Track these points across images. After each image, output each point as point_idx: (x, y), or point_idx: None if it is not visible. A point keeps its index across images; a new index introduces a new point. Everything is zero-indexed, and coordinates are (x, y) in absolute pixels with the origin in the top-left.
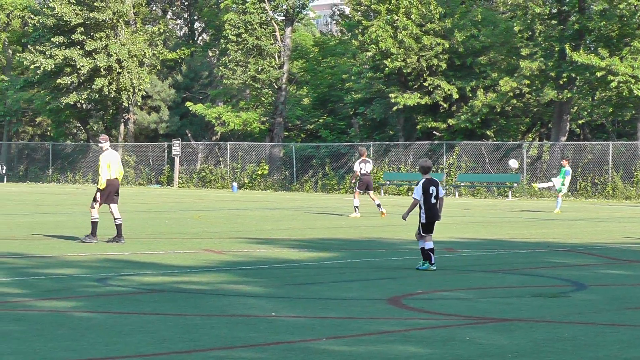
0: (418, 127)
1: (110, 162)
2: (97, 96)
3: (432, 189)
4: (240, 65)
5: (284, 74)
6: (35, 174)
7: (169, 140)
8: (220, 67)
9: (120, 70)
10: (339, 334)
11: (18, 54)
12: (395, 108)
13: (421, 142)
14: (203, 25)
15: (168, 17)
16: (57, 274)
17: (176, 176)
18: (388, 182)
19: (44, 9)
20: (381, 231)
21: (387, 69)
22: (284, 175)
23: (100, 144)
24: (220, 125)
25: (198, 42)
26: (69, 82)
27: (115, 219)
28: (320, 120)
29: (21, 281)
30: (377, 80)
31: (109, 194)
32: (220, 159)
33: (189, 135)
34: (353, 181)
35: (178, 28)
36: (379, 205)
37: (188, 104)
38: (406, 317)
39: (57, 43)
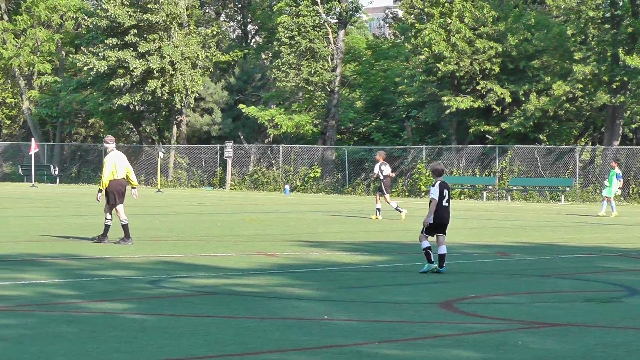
0: (471, 130)
1: (116, 163)
2: (150, 98)
3: (445, 191)
4: (293, 68)
5: (336, 76)
6: (88, 176)
7: (222, 143)
8: (273, 70)
9: (173, 72)
10: (392, 337)
11: (71, 56)
12: (447, 111)
13: (474, 145)
14: (256, 27)
15: (221, 19)
16: (109, 276)
17: (228, 178)
18: None
19: (97, 11)
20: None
21: (439, 72)
22: (336, 178)
23: (106, 145)
24: (272, 127)
25: (251, 44)
26: (121, 83)
27: (120, 219)
28: (373, 124)
29: (74, 283)
30: (430, 84)
31: (116, 194)
32: (273, 162)
33: (242, 137)
34: (373, 179)
35: (231, 30)
36: (378, 210)
37: (241, 106)
38: (459, 321)
39: (110, 45)
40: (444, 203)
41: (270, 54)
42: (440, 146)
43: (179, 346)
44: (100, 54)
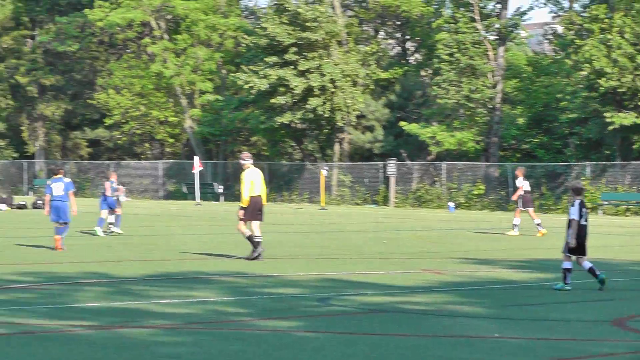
0: (634, 146)
1: (254, 180)
2: (311, 116)
3: (584, 210)
4: (453, 85)
5: (497, 93)
6: None
7: (384, 160)
8: (434, 87)
9: (334, 90)
10: (563, 355)
11: (232, 74)
12: (611, 128)
13: (638, 162)
14: (415, 44)
15: (380, 36)
16: (277, 294)
17: (392, 196)
18: (606, 202)
19: (256, 29)
20: (601, 252)
21: (601, 88)
22: (500, 195)
23: (242, 162)
24: (434, 144)
25: (411, 61)
26: (283, 101)
27: (254, 236)
28: (536, 140)
29: (243, 300)
30: (592, 100)
31: (252, 210)
32: (436, 179)
33: (404, 154)
34: (514, 199)
35: (390, 47)
36: (515, 226)
37: (402, 123)
38: (632, 339)
39: (270, 63)
40: (583, 222)
41: (430, 71)
42: (604, 163)
43: None
44: (260, 73)
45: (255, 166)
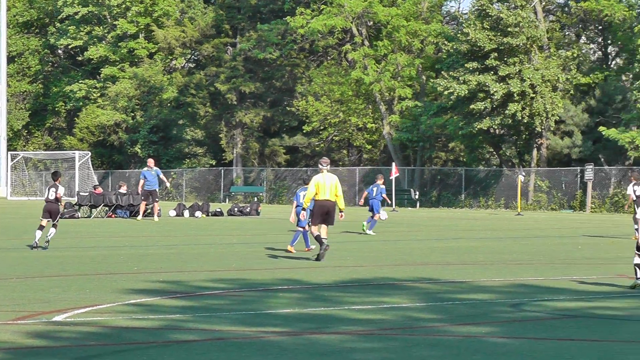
0: None
1: (319, 184)
2: (510, 121)
3: None
4: None
5: None
6: (448, 199)
7: (582, 165)
8: (634, 91)
9: (534, 95)
10: None
11: (432, 80)
12: None
13: None
14: (617, 49)
15: (582, 41)
16: (470, 299)
17: (589, 201)
18: None
19: (458, 35)
20: None
21: None
22: None
23: (320, 167)
24: (633, 149)
25: (612, 66)
26: (482, 107)
27: (321, 238)
28: None
29: (436, 306)
30: None
31: (318, 214)
32: None
33: (602, 160)
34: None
35: (591, 52)
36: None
37: (601, 128)
38: None
39: (470, 69)
40: None
41: (631, 76)
42: None
43: None
44: (460, 78)
45: (452, 173)
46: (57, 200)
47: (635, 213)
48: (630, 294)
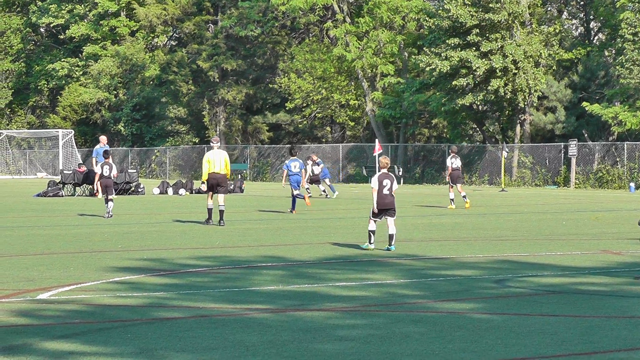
0: None
1: (209, 159)
2: (492, 97)
3: None
4: (637, 65)
5: None
6: (432, 176)
7: (565, 141)
8: (617, 67)
9: (516, 71)
10: None
11: (413, 57)
12: None
13: None
14: (599, 24)
15: (563, 17)
16: (454, 276)
17: (572, 177)
18: None
19: (439, 11)
20: None
21: None
22: None
23: (211, 144)
24: (616, 125)
25: (594, 41)
26: (464, 83)
27: (219, 205)
28: None
29: (419, 283)
30: None
31: (212, 185)
32: (617, 159)
33: (586, 135)
34: (447, 178)
35: (574, 28)
36: (464, 197)
37: (584, 104)
38: None
39: (452, 45)
40: None
41: (613, 51)
42: None
43: (525, 345)
44: (442, 55)
45: (435, 149)
46: (112, 176)
47: None
48: (614, 269)
